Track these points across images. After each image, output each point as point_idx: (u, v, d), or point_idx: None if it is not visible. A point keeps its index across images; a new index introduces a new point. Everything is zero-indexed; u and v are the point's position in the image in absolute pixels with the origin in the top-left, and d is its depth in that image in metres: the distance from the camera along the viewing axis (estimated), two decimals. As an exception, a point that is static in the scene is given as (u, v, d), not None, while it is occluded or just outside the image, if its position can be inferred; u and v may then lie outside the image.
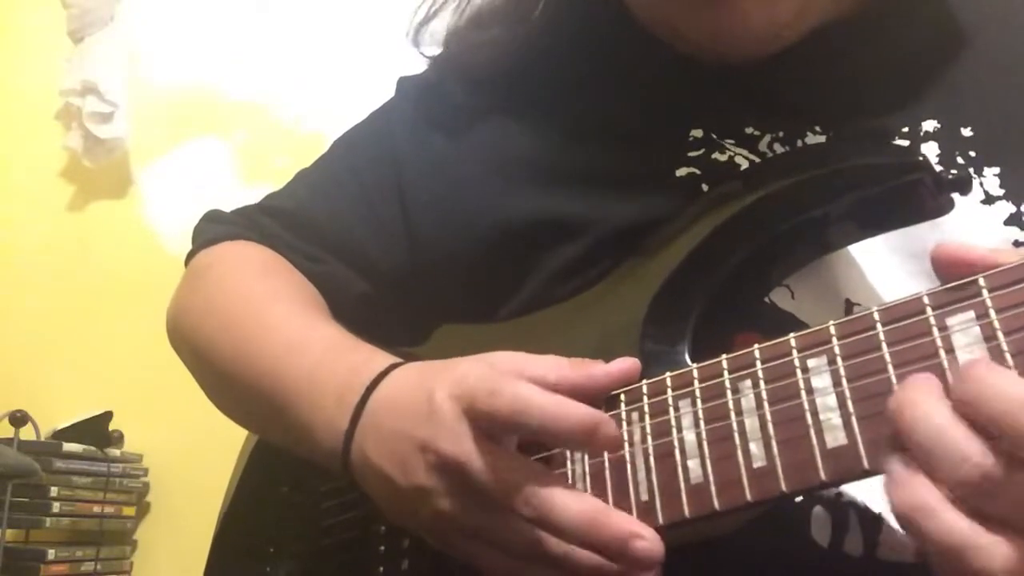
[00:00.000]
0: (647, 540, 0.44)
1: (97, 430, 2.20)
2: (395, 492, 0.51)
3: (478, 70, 0.70)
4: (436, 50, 0.75)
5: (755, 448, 0.44)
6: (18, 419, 2.00)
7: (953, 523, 0.35)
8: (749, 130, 0.60)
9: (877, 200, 0.51)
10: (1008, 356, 0.37)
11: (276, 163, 2.23)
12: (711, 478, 0.45)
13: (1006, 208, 0.55)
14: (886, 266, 0.55)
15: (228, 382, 0.68)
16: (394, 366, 0.55)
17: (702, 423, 0.46)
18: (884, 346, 0.41)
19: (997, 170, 0.55)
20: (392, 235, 0.72)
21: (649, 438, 0.48)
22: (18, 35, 2.70)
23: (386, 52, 1.86)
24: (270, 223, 0.77)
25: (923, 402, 0.37)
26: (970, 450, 0.35)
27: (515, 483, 0.46)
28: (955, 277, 0.40)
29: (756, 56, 0.60)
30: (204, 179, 2.42)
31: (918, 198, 0.50)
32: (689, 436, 0.47)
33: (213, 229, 0.79)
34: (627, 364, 0.50)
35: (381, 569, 0.59)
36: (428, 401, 0.50)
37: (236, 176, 2.40)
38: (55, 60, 2.51)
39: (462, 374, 0.50)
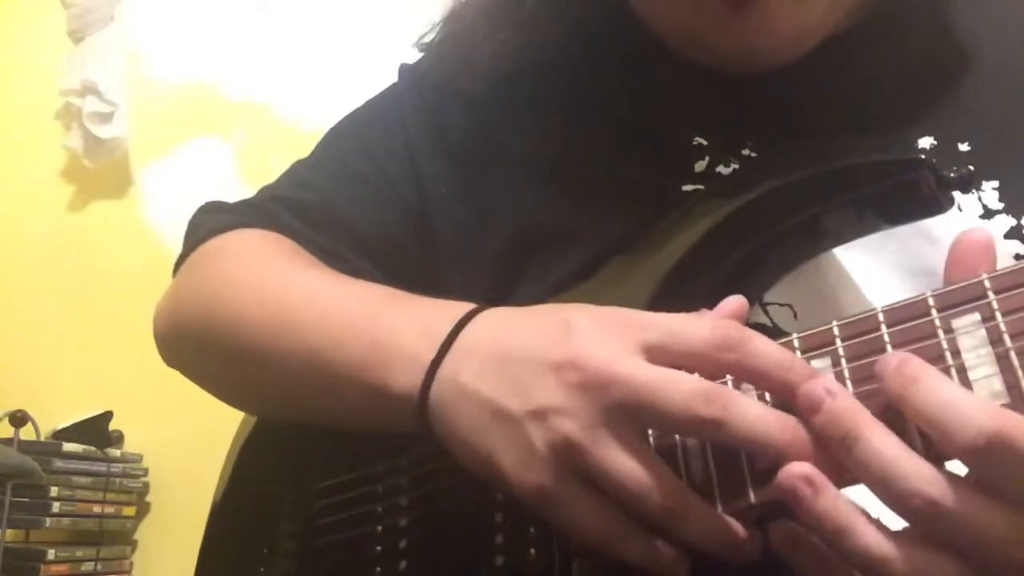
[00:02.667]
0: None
1: (97, 430, 2.20)
2: (497, 420, 0.46)
3: (490, 69, 0.68)
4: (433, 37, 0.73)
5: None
6: (18, 419, 2.00)
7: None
8: (746, 152, 0.60)
9: (877, 197, 0.51)
10: (1014, 358, 0.37)
11: (276, 163, 2.21)
12: (714, 479, 0.45)
13: (1006, 222, 0.54)
14: (884, 283, 0.55)
15: (256, 357, 0.61)
16: (483, 307, 0.51)
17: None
18: (889, 348, 0.41)
19: (996, 184, 0.55)
20: (411, 229, 0.69)
21: (651, 440, 0.48)
22: (18, 35, 2.70)
23: (386, 52, 1.86)
24: (285, 215, 0.71)
25: (874, 439, 0.38)
26: (920, 483, 0.36)
27: (700, 387, 0.42)
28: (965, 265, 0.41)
29: (773, 65, 0.59)
30: (204, 179, 2.42)
31: (919, 195, 0.50)
32: (691, 439, 0.46)
33: (218, 219, 0.71)
34: (735, 303, 0.47)
35: (378, 569, 0.58)
36: (564, 324, 0.46)
37: (236, 176, 2.40)
38: (55, 60, 2.51)
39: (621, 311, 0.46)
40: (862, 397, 0.41)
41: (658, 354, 0.44)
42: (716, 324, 0.44)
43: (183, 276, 0.70)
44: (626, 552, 0.44)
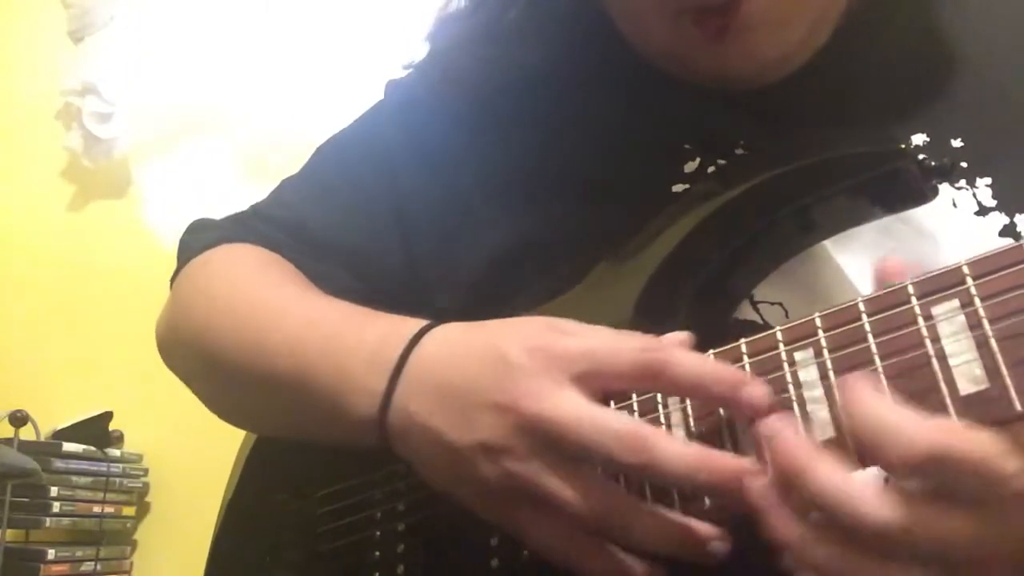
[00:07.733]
0: (758, 477, 0.42)
1: (97, 430, 2.20)
2: (448, 452, 0.48)
3: (475, 85, 0.69)
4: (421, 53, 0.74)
5: (744, 442, 0.44)
6: (18, 419, 2.00)
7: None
8: (740, 152, 0.60)
9: (861, 188, 0.51)
10: (993, 343, 0.37)
11: (276, 163, 2.23)
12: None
13: (1000, 220, 0.54)
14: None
15: (238, 377, 0.64)
16: (432, 325, 0.53)
17: (691, 420, 0.46)
18: (870, 337, 0.41)
19: (989, 180, 0.55)
20: (389, 246, 0.71)
21: None
22: (18, 35, 2.71)
23: (385, 54, 1.86)
24: (267, 228, 0.74)
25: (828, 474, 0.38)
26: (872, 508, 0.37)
27: (622, 431, 0.44)
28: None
29: (758, 85, 0.60)
30: (204, 179, 2.42)
31: (902, 186, 0.50)
32: (678, 434, 0.46)
33: (205, 236, 0.75)
34: (682, 336, 0.49)
35: (376, 574, 0.59)
36: (501, 359, 0.47)
37: (236, 176, 2.40)
38: (55, 60, 2.52)
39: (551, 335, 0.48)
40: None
41: (591, 382, 0.46)
42: (643, 348, 0.46)
43: (175, 294, 0.74)
44: (591, 567, 0.46)
